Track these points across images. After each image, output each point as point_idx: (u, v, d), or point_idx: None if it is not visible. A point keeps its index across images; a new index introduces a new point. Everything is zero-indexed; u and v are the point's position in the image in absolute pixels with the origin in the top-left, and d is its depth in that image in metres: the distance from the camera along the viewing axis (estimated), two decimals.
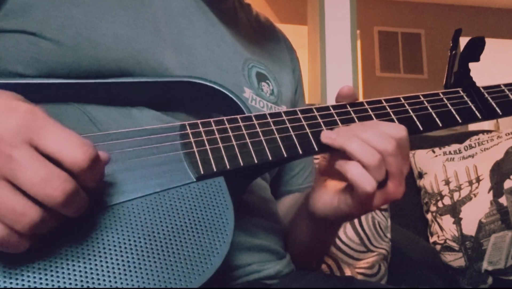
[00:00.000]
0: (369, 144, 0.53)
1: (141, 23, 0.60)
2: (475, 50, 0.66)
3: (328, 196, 0.59)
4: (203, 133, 0.52)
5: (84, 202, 0.41)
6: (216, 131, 0.53)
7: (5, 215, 0.37)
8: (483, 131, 1.53)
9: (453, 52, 0.66)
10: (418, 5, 5.33)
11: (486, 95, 0.65)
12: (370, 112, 0.59)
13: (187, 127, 0.53)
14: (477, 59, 0.66)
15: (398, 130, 0.54)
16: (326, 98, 2.84)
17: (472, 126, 3.61)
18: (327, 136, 0.55)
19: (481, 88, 0.65)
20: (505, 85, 0.67)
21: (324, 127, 0.57)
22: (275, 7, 4.98)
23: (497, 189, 1.31)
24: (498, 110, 0.63)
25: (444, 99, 0.63)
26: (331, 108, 0.59)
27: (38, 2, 0.56)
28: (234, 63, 0.70)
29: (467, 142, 1.49)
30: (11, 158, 0.37)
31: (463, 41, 0.67)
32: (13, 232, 0.38)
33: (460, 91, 0.65)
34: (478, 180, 1.37)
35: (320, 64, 2.94)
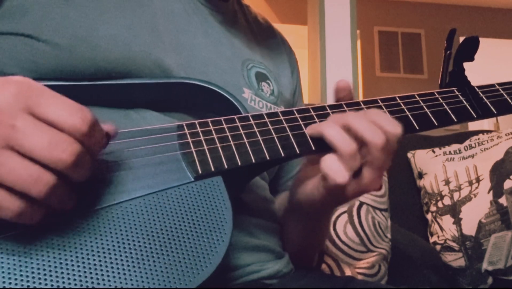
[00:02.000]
0: (356, 132, 0.52)
1: (139, 25, 0.60)
2: (469, 50, 0.67)
3: (304, 183, 0.60)
4: (200, 134, 0.52)
5: (90, 165, 0.42)
6: (213, 132, 0.53)
7: (20, 182, 0.38)
8: (483, 132, 1.53)
9: (448, 52, 0.67)
10: (418, 5, 5.33)
11: (481, 94, 0.65)
12: None
13: (185, 127, 0.53)
14: (471, 58, 0.66)
15: (393, 126, 0.54)
16: (326, 98, 2.84)
17: (472, 126, 3.61)
18: (311, 127, 0.55)
19: (475, 88, 0.66)
20: (499, 84, 0.67)
21: None
22: (275, 7, 4.98)
23: (497, 189, 1.31)
24: (493, 109, 0.64)
25: (439, 98, 0.64)
26: (327, 108, 0.59)
27: (34, 4, 0.56)
28: (233, 64, 0.70)
29: (467, 143, 1.49)
30: (15, 127, 0.38)
31: None
32: (28, 202, 0.39)
33: (455, 90, 0.66)
34: (478, 180, 1.37)
35: (320, 64, 2.94)
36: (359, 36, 4.85)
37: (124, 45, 0.57)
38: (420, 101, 0.63)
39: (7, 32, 0.55)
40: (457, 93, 0.65)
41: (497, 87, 0.67)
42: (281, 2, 5.01)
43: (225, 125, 0.54)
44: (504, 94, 0.66)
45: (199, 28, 0.69)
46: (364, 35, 5.09)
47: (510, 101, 0.66)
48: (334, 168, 0.52)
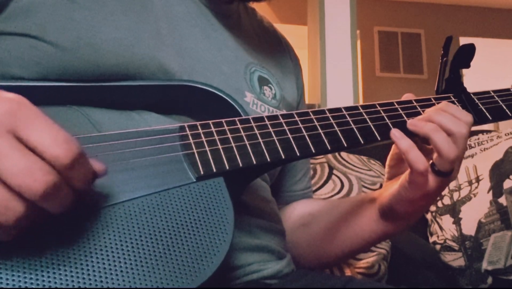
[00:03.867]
0: (441, 125, 0.58)
1: (143, 28, 0.61)
2: (465, 57, 0.68)
3: (393, 187, 0.65)
4: (202, 135, 0.53)
5: (68, 199, 0.40)
6: (215, 133, 0.53)
7: None
8: (482, 132, 1.53)
9: (444, 59, 0.68)
10: (418, 5, 5.32)
11: (477, 101, 0.67)
12: (365, 116, 0.61)
13: (186, 128, 0.53)
14: (467, 65, 0.68)
15: (468, 117, 0.60)
16: (326, 98, 2.84)
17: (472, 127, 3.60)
18: (413, 124, 0.60)
19: (471, 95, 0.67)
20: (494, 91, 0.69)
21: (320, 130, 0.58)
22: (275, 7, 4.98)
23: (496, 189, 1.31)
24: (488, 116, 0.65)
25: (436, 104, 0.65)
26: (326, 112, 0.60)
27: (40, 6, 0.56)
28: (235, 67, 0.70)
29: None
30: None
31: (463, 41, 0.68)
32: None
33: (451, 97, 0.67)
34: (477, 180, 1.37)
35: (320, 64, 2.94)
36: (359, 36, 4.85)
37: (127, 48, 0.57)
38: (417, 106, 0.64)
39: (12, 32, 0.55)
40: (453, 99, 0.67)
41: (492, 94, 0.68)
42: (281, 2, 4.99)
43: (226, 127, 0.54)
44: (499, 101, 0.67)
45: (203, 31, 0.69)
46: (364, 35, 5.09)
47: (504, 108, 0.67)
48: (416, 156, 0.57)
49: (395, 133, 0.59)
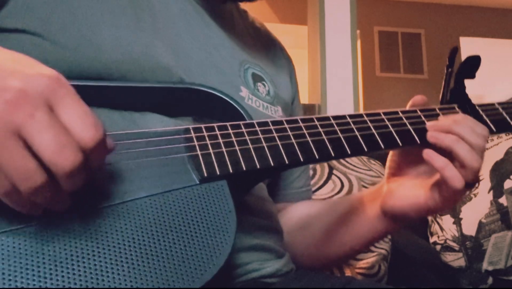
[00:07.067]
0: (465, 138, 0.59)
1: (141, 26, 0.61)
2: (470, 67, 0.68)
3: (411, 193, 0.64)
4: (206, 138, 0.53)
5: (83, 180, 0.41)
6: (219, 136, 0.54)
7: (12, 172, 0.38)
8: None
9: (449, 69, 0.69)
10: (418, 5, 5.33)
11: (481, 112, 0.67)
12: (369, 124, 0.61)
13: (191, 131, 0.54)
14: (472, 76, 0.68)
15: (485, 130, 0.61)
16: (326, 98, 2.84)
17: None
18: (434, 136, 0.61)
19: (476, 106, 0.68)
20: (499, 104, 0.69)
21: (324, 137, 0.58)
22: (275, 7, 4.98)
23: (497, 189, 1.32)
24: (492, 127, 0.66)
25: (441, 114, 0.65)
26: (331, 118, 0.60)
27: (40, 3, 0.56)
28: (230, 64, 0.71)
29: None
30: (33, 118, 0.38)
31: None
32: (15, 190, 0.39)
33: (456, 107, 0.67)
34: (478, 180, 1.37)
35: (320, 64, 2.94)
36: (359, 36, 4.85)
37: (126, 46, 0.58)
38: (421, 116, 0.64)
39: (14, 29, 0.56)
40: (458, 110, 0.67)
41: (497, 106, 0.69)
42: (281, 2, 5.00)
43: (231, 131, 0.55)
44: (504, 113, 0.68)
45: (199, 29, 0.70)
46: (364, 35, 5.09)
47: (509, 120, 0.67)
48: (455, 175, 0.58)
49: (428, 152, 0.60)
